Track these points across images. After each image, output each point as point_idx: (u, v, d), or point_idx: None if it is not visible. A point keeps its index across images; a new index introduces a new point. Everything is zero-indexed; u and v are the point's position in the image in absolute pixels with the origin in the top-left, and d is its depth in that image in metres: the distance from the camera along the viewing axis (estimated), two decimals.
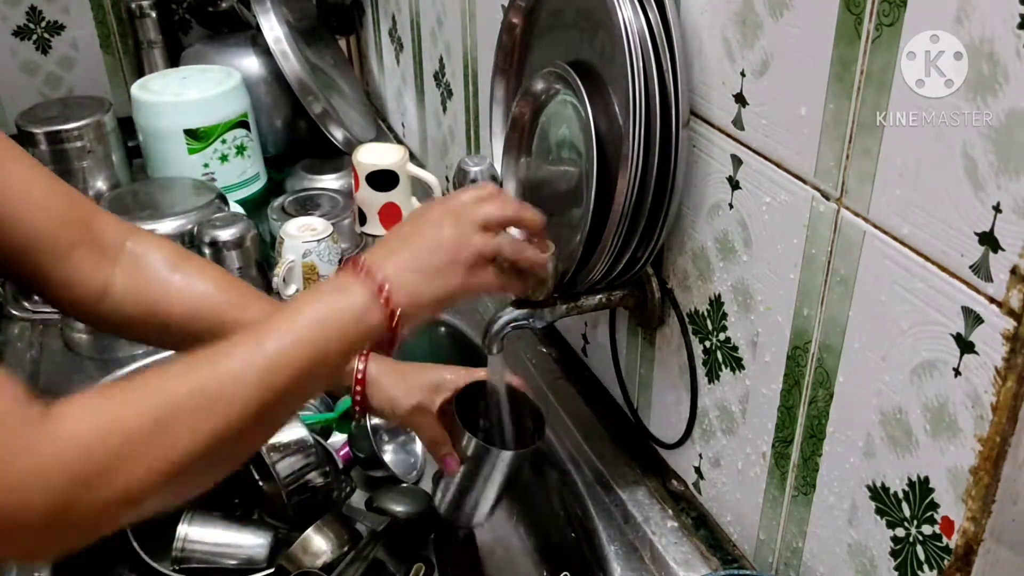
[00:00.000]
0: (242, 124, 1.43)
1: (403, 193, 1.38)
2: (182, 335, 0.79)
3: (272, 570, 0.99)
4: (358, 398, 0.86)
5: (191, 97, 1.39)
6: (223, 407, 0.59)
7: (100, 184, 1.41)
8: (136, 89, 1.41)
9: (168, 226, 1.26)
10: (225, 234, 1.23)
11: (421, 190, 1.44)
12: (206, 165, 1.41)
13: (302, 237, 1.27)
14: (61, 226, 0.73)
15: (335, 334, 0.64)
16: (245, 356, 0.61)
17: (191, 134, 1.38)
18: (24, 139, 1.38)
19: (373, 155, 1.39)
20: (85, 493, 0.53)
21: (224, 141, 1.41)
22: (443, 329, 1.26)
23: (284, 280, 1.26)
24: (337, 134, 1.52)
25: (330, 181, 1.50)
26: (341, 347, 0.65)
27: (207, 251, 1.24)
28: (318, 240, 1.27)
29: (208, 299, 0.80)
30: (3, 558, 0.74)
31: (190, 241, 1.25)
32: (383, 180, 1.36)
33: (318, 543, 1.03)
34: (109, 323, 0.79)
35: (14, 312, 1.26)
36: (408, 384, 0.89)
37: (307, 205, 1.41)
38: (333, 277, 0.69)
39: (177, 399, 0.59)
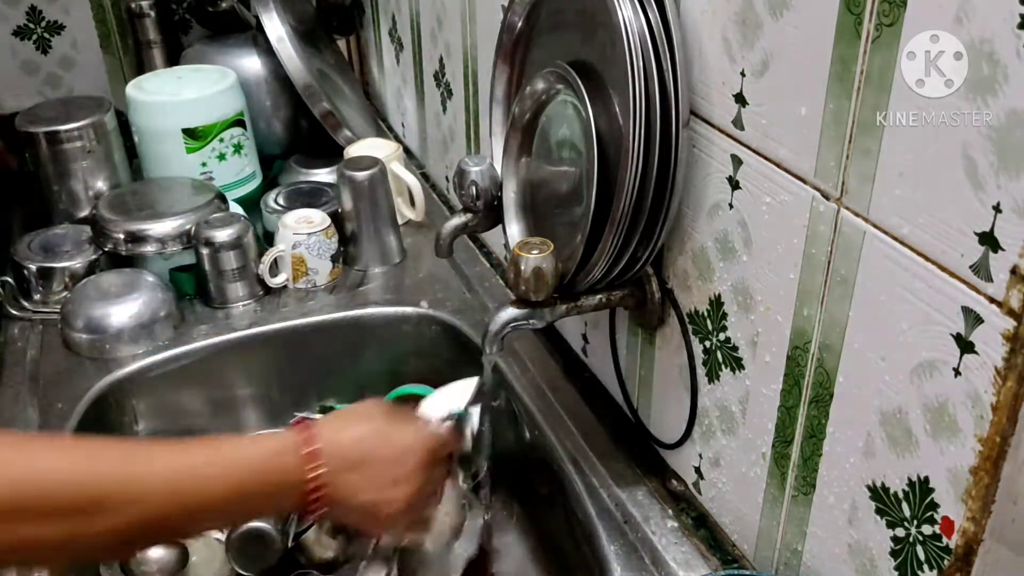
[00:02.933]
0: (239, 123, 1.43)
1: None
2: None
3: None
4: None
5: (188, 96, 1.39)
6: (96, 525, 0.57)
7: (100, 184, 1.40)
8: (131, 89, 1.41)
9: (168, 226, 1.26)
10: (222, 234, 1.23)
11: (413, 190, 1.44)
12: (204, 164, 1.41)
13: (295, 228, 1.28)
14: None
15: (257, 497, 0.64)
16: (160, 468, 0.60)
17: (189, 133, 1.38)
18: (24, 139, 1.38)
19: (362, 149, 1.39)
20: None
21: (222, 140, 1.41)
22: (439, 328, 1.26)
23: (269, 269, 1.26)
24: (339, 134, 1.52)
25: (323, 175, 1.51)
26: (253, 507, 0.66)
27: (204, 251, 1.24)
28: (308, 233, 1.27)
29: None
30: None
31: (188, 241, 1.25)
32: None
33: (328, 536, 1.03)
34: None
35: (14, 312, 1.26)
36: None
37: (300, 198, 1.41)
38: (279, 439, 0.68)
39: (57, 495, 0.57)
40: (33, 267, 1.26)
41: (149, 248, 1.26)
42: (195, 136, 1.39)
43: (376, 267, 1.35)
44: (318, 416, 0.70)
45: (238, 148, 1.44)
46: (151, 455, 0.61)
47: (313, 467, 0.65)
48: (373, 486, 0.69)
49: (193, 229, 1.25)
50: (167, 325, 1.21)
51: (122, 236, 1.26)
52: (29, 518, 0.56)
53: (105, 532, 0.58)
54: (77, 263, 1.26)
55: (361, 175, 1.30)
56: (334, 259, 1.31)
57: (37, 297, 1.27)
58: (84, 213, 1.39)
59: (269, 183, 1.54)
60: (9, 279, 1.27)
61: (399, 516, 0.72)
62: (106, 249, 1.27)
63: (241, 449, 0.65)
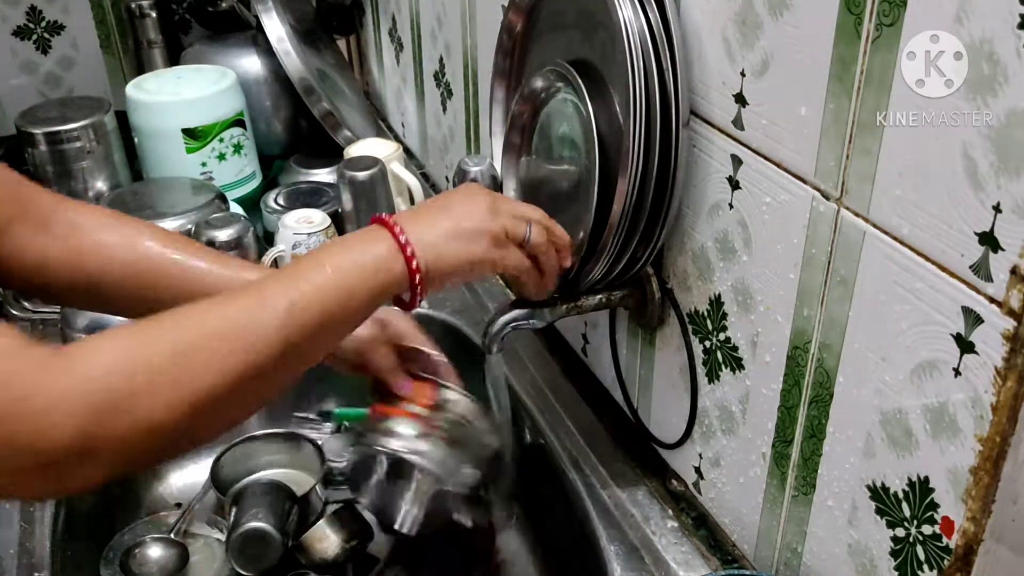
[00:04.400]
0: (238, 123, 1.44)
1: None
2: (126, 296, 0.79)
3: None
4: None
5: (189, 96, 1.39)
6: (245, 346, 0.60)
7: (100, 184, 1.40)
8: (131, 89, 1.41)
9: (168, 226, 1.25)
10: (223, 234, 1.23)
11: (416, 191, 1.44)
12: (204, 164, 1.41)
13: (295, 228, 1.28)
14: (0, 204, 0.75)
15: (357, 283, 0.66)
16: (270, 298, 0.62)
17: (189, 133, 1.38)
18: (24, 139, 1.38)
19: (362, 149, 1.39)
20: (106, 422, 0.54)
21: (221, 140, 1.41)
22: (439, 328, 1.26)
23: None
24: (339, 134, 1.52)
25: (323, 175, 1.51)
26: (362, 296, 0.67)
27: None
28: (308, 233, 1.27)
29: (148, 257, 0.79)
30: (32, 494, 0.74)
31: (195, 238, 1.26)
32: None
33: (329, 536, 1.03)
34: (52, 293, 0.80)
35: (14, 312, 1.26)
36: None
37: (300, 198, 1.41)
38: (361, 231, 0.70)
39: (200, 334, 0.59)
40: None
41: None
42: (195, 136, 1.39)
43: None
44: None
45: (238, 148, 1.44)
46: (307, 275, 0.65)
47: (390, 224, 0.69)
48: (457, 213, 0.71)
49: (193, 229, 1.25)
50: None
51: None
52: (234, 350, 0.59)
53: (255, 350, 0.61)
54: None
55: (361, 175, 1.30)
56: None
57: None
58: None
59: (269, 183, 1.54)
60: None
61: (483, 247, 0.72)
62: None
63: (335, 257, 0.67)
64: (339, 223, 1.33)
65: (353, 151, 1.41)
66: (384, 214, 0.70)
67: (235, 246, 1.24)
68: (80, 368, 0.54)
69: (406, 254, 0.68)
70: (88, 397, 0.53)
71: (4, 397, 0.51)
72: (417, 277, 0.69)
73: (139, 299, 0.76)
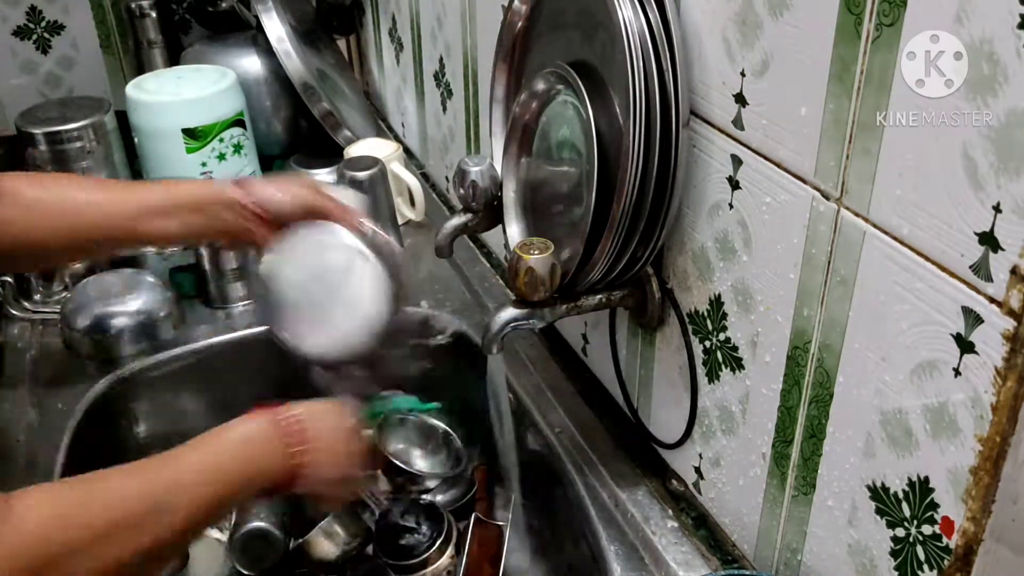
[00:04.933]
0: (238, 123, 1.43)
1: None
2: (53, 242, 0.87)
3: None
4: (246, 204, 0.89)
5: (189, 96, 1.39)
6: (160, 529, 0.68)
7: None
8: (131, 89, 1.41)
9: None
10: None
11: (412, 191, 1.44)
12: (204, 164, 1.41)
13: None
14: None
15: (251, 489, 0.76)
16: (186, 489, 0.70)
17: (189, 133, 1.38)
18: (24, 139, 1.38)
19: (362, 149, 1.39)
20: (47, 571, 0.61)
21: (221, 140, 1.41)
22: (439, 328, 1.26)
23: None
24: (339, 134, 1.52)
25: (323, 175, 1.51)
26: (248, 495, 0.77)
27: (205, 251, 1.24)
28: None
29: (67, 199, 0.88)
30: None
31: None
32: None
33: (330, 538, 1.04)
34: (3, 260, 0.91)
35: (14, 312, 1.26)
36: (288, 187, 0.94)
37: None
38: (263, 427, 0.77)
39: (129, 511, 0.67)
40: None
41: (149, 248, 1.26)
42: (195, 136, 1.39)
43: None
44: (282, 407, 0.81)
45: (238, 148, 1.44)
46: (187, 462, 0.73)
47: (299, 460, 0.77)
48: (336, 464, 0.81)
49: None
50: (167, 325, 1.21)
51: None
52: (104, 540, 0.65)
53: (169, 527, 0.69)
54: (77, 263, 1.26)
55: (361, 175, 1.30)
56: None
57: (37, 297, 1.27)
58: None
59: None
60: (9, 279, 1.27)
61: (348, 484, 0.87)
62: None
63: (234, 458, 0.75)
64: None
65: (353, 151, 1.41)
66: (288, 418, 0.78)
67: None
68: (26, 526, 0.61)
69: (293, 477, 0.77)
70: (30, 554, 0.60)
71: None
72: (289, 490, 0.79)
73: (61, 242, 0.87)
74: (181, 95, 1.39)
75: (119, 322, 1.18)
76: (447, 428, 1.16)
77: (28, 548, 0.60)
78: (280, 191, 0.91)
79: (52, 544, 0.61)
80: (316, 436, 0.78)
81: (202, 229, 0.91)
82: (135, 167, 1.47)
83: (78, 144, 1.37)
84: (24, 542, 0.60)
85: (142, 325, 1.18)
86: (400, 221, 1.42)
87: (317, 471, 0.78)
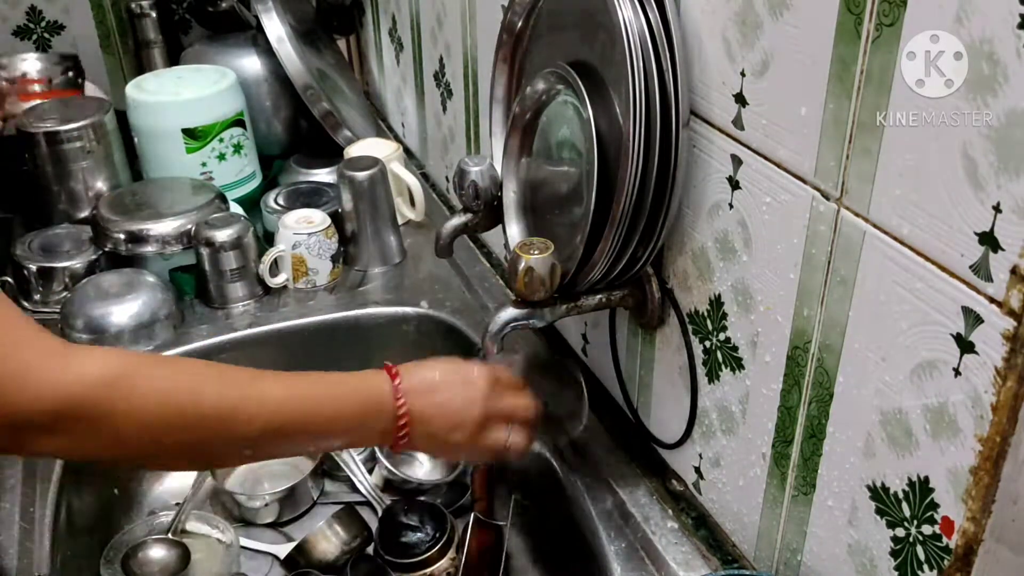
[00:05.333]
0: (238, 123, 1.44)
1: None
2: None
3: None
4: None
5: (188, 96, 1.39)
6: (221, 441, 0.69)
7: (100, 184, 1.40)
8: (131, 89, 1.41)
9: (168, 226, 1.26)
10: (222, 235, 1.23)
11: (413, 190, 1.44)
12: (204, 164, 1.41)
13: (295, 228, 1.28)
14: None
15: (343, 436, 0.78)
16: (269, 404, 0.70)
17: (189, 133, 1.38)
18: (24, 140, 1.38)
19: (362, 149, 1.39)
20: (77, 420, 0.62)
21: (221, 140, 1.41)
22: (439, 328, 1.26)
23: (269, 269, 1.26)
24: (339, 134, 1.52)
25: (323, 175, 1.51)
26: (343, 443, 0.81)
27: (204, 251, 1.24)
28: (308, 233, 1.28)
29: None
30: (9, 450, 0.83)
31: (188, 241, 1.26)
32: None
33: (330, 538, 1.04)
34: None
35: None
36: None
37: (300, 198, 1.41)
38: (376, 380, 0.79)
39: (190, 406, 0.67)
40: (33, 267, 1.26)
41: (149, 248, 1.26)
42: (195, 136, 1.39)
43: (376, 267, 1.35)
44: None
45: (238, 148, 1.44)
46: (272, 379, 0.73)
47: (401, 401, 0.78)
48: (445, 413, 0.81)
49: (193, 229, 1.25)
50: (167, 325, 1.21)
51: (122, 236, 1.26)
52: (177, 427, 0.67)
53: (234, 439, 0.70)
54: (77, 263, 1.26)
55: (361, 175, 1.30)
56: (334, 259, 1.31)
57: (37, 297, 1.27)
58: (84, 213, 1.39)
59: (269, 183, 1.54)
60: (9, 279, 1.27)
61: (468, 440, 0.82)
62: (106, 249, 1.27)
63: (342, 379, 0.77)
64: (339, 223, 1.33)
65: (353, 151, 1.41)
66: (398, 380, 0.79)
67: (235, 246, 1.24)
68: (76, 368, 0.62)
69: (399, 436, 0.78)
70: (71, 394, 0.62)
71: (7, 368, 0.60)
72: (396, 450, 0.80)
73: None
74: (181, 95, 1.39)
75: (119, 322, 1.18)
76: None
77: (70, 391, 0.61)
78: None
79: (94, 398, 0.62)
80: (418, 384, 0.79)
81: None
82: (135, 167, 1.47)
83: (78, 144, 1.37)
84: (70, 383, 0.61)
85: (142, 325, 1.18)
86: (400, 221, 1.42)
87: (420, 423, 0.79)
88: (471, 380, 0.83)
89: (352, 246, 1.35)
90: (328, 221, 1.30)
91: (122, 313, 1.18)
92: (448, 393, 0.81)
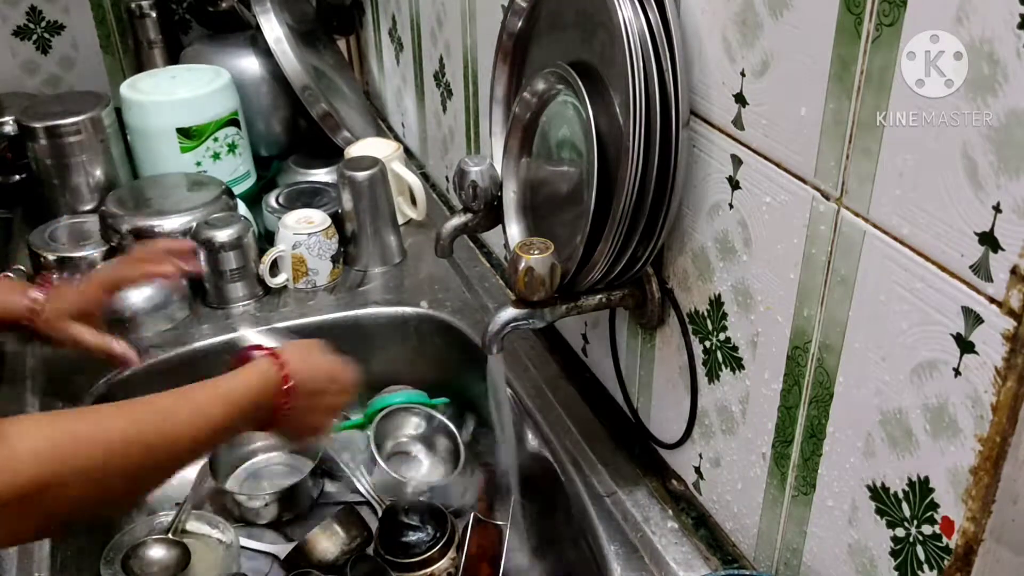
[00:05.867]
0: (233, 122, 1.44)
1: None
2: None
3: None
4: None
5: (183, 96, 1.39)
6: (152, 465, 0.72)
7: (101, 178, 1.41)
8: (126, 88, 1.42)
9: (176, 222, 1.26)
10: (223, 235, 1.23)
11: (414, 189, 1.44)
12: (198, 163, 1.41)
13: (295, 228, 1.28)
14: None
15: (242, 426, 0.82)
16: (179, 426, 0.74)
17: (184, 132, 1.39)
18: (24, 134, 1.38)
19: (363, 149, 1.40)
20: (21, 500, 0.61)
21: (216, 139, 1.41)
22: (439, 328, 1.26)
23: (269, 269, 1.27)
24: (338, 136, 1.52)
25: (322, 175, 1.51)
26: (240, 431, 0.85)
27: (203, 251, 1.24)
28: (309, 233, 1.28)
29: None
30: None
31: (192, 239, 1.26)
32: None
33: (330, 538, 1.04)
34: None
35: None
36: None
37: (300, 198, 1.41)
38: (264, 374, 0.83)
39: (120, 447, 0.69)
40: (52, 256, 1.28)
41: None
42: (189, 135, 1.39)
43: (376, 267, 1.35)
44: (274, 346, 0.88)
45: (232, 147, 1.44)
46: (180, 405, 0.76)
47: (284, 400, 0.82)
48: (316, 412, 0.87)
49: (193, 229, 1.25)
50: (183, 305, 1.23)
51: (130, 231, 1.26)
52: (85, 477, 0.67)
53: (157, 465, 0.73)
54: (95, 252, 1.28)
55: (361, 175, 1.30)
56: (334, 259, 1.31)
57: None
58: (87, 207, 1.40)
59: (268, 183, 1.54)
60: (22, 267, 1.28)
61: (321, 430, 0.91)
62: (112, 244, 1.28)
63: (236, 389, 0.80)
64: (339, 223, 1.33)
65: (353, 151, 1.41)
66: (283, 366, 0.83)
67: (235, 246, 1.24)
68: (14, 456, 0.62)
69: (277, 422, 0.84)
70: (14, 485, 0.61)
71: None
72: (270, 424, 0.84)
73: None
74: (175, 95, 1.39)
75: (134, 304, 1.19)
76: (450, 424, 1.16)
77: (22, 470, 0.61)
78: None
79: (45, 467, 0.62)
80: (299, 378, 0.84)
81: None
82: (133, 166, 1.47)
83: (77, 138, 1.38)
84: (17, 465, 0.61)
85: (157, 307, 1.20)
86: (401, 220, 1.42)
87: (293, 422, 0.85)
88: (336, 381, 0.89)
89: (352, 246, 1.35)
90: (328, 221, 1.30)
91: (138, 295, 1.19)
92: (319, 390, 0.87)
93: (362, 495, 1.15)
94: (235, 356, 0.88)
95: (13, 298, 1.03)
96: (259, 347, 0.87)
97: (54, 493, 0.63)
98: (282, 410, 0.82)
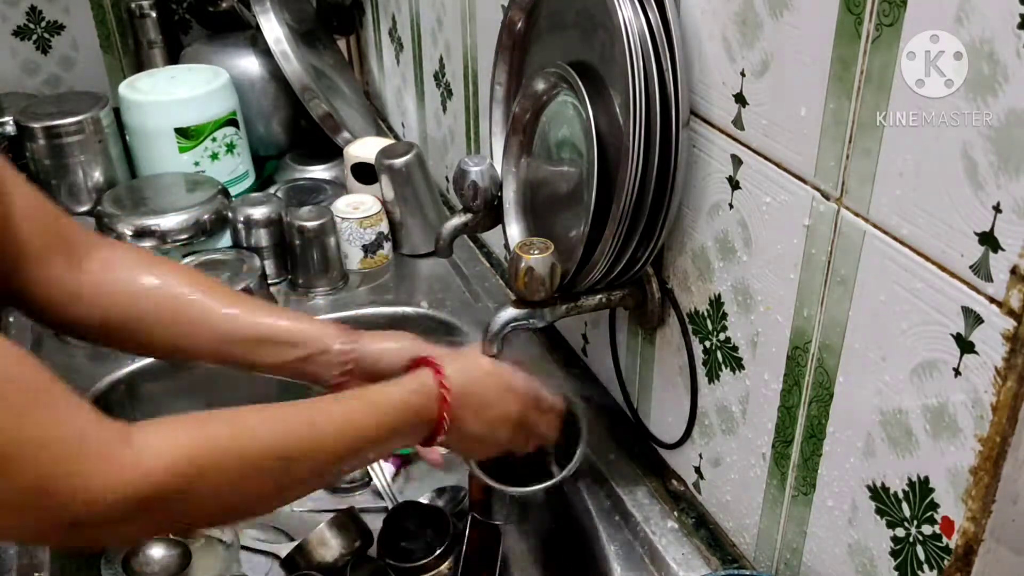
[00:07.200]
0: (231, 122, 1.44)
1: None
2: (157, 336, 0.81)
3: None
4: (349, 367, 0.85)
5: (181, 96, 1.39)
6: (296, 478, 0.68)
7: (99, 178, 1.41)
8: (124, 88, 1.42)
9: (172, 220, 1.26)
10: (257, 212, 1.26)
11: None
12: (197, 163, 1.41)
13: (345, 213, 1.30)
14: (42, 233, 0.76)
15: (396, 438, 0.77)
16: (326, 439, 0.70)
17: (182, 132, 1.39)
18: (23, 134, 1.38)
19: (362, 148, 1.40)
20: (150, 515, 0.58)
21: (214, 139, 1.41)
22: (439, 328, 1.26)
23: None
24: (338, 136, 1.52)
25: (320, 171, 1.51)
26: (393, 447, 0.80)
27: (240, 227, 1.27)
28: (343, 218, 1.30)
29: (182, 298, 0.81)
30: (60, 545, 0.85)
31: (203, 232, 1.28)
32: (368, 172, 1.37)
33: (330, 539, 1.04)
34: (83, 329, 0.81)
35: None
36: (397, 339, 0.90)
37: (299, 195, 1.42)
38: (421, 385, 0.78)
39: (260, 457, 0.65)
40: None
41: (153, 243, 1.27)
42: (188, 135, 1.39)
43: (424, 249, 1.37)
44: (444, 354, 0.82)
45: (231, 147, 1.44)
46: (329, 415, 0.72)
47: (446, 411, 0.77)
48: (484, 422, 0.81)
49: (209, 218, 1.27)
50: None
51: (127, 231, 1.27)
52: (253, 496, 0.66)
53: (299, 480, 0.70)
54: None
55: (398, 162, 1.32)
56: (367, 249, 1.31)
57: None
58: (85, 207, 1.40)
59: (264, 182, 1.54)
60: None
61: (497, 449, 0.85)
62: None
63: (390, 398, 0.75)
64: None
65: (353, 150, 1.41)
66: (444, 378, 0.78)
67: (268, 224, 1.27)
68: (145, 462, 0.58)
69: (440, 433, 0.78)
70: (141, 492, 0.57)
71: (71, 467, 0.55)
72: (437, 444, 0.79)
73: (172, 343, 0.81)
74: (174, 95, 1.40)
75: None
76: None
77: (139, 489, 0.57)
78: (385, 350, 0.85)
79: (167, 491, 0.58)
80: (464, 397, 0.78)
81: (294, 371, 0.85)
82: (132, 162, 1.47)
83: (76, 138, 1.38)
84: (140, 482, 0.57)
85: None
86: None
87: (459, 429, 0.79)
88: (511, 391, 0.83)
89: (400, 232, 1.37)
90: (373, 211, 1.30)
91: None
92: (488, 400, 0.81)
93: (363, 497, 1.15)
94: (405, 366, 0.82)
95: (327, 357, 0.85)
96: (425, 359, 0.80)
97: (178, 506, 0.60)
98: (444, 424, 0.77)
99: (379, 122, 1.76)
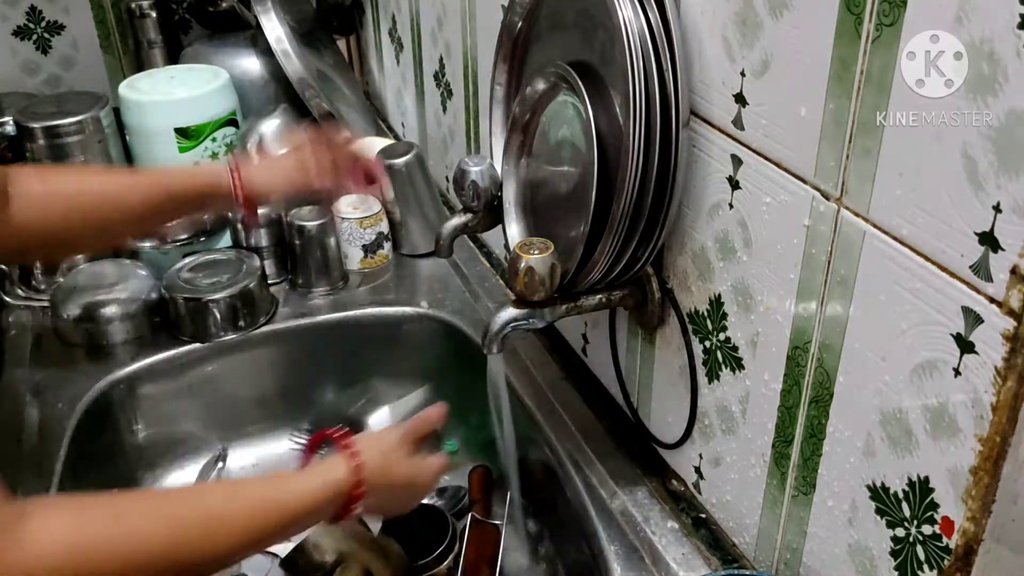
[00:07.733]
0: (231, 122, 1.44)
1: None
2: (81, 236, 0.92)
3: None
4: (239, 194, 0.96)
5: (181, 95, 1.39)
6: (187, 566, 0.66)
7: None
8: (124, 88, 1.42)
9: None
10: (399, 162, 1.29)
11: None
12: (196, 163, 1.41)
13: (345, 213, 1.30)
14: None
15: (299, 530, 0.78)
16: (218, 547, 0.68)
17: (182, 132, 1.39)
18: (23, 134, 1.38)
19: (362, 147, 1.40)
20: None
21: (214, 139, 1.41)
22: (439, 328, 1.26)
23: None
24: None
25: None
26: (301, 527, 0.79)
27: (240, 227, 1.29)
28: (343, 218, 1.30)
29: (88, 192, 0.90)
30: None
31: (203, 232, 1.29)
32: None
33: (324, 542, 1.03)
34: (17, 253, 0.97)
35: (8, 299, 1.28)
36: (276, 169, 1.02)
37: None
38: (334, 477, 0.78)
39: (149, 550, 0.63)
40: None
41: (154, 242, 1.28)
42: (188, 135, 1.39)
43: (424, 249, 1.37)
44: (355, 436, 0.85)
45: (231, 147, 1.44)
46: (229, 517, 0.70)
47: (357, 501, 0.79)
48: (393, 504, 0.88)
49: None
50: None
51: None
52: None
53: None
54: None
55: (398, 162, 1.31)
56: (367, 249, 1.32)
57: (42, 287, 1.29)
58: None
59: None
60: (3, 267, 1.29)
61: (402, 499, 0.90)
62: None
63: (302, 495, 0.75)
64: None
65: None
66: (357, 458, 0.79)
67: (268, 224, 1.29)
68: (32, 549, 0.58)
69: (350, 508, 0.79)
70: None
71: None
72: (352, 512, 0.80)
73: (94, 230, 0.92)
74: (173, 94, 1.39)
75: (108, 311, 1.18)
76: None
77: (29, 571, 0.57)
78: (271, 176, 0.99)
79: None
80: (373, 473, 0.80)
81: (198, 216, 1.01)
82: (132, 162, 1.47)
83: (76, 138, 1.38)
84: (30, 567, 0.57)
85: (131, 315, 1.19)
86: None
87: (370, 509, 0.83)
88: (390, 447, 0.85)
89: (400, 231, 1.37)
90: (373, 211, 1.30)
91: (112, 302, 1.20)
92: (397, 495, 0.87)
93: None
94: (310, 439, 0.86)
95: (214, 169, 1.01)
96: (335, 433, 0.86)
97: None
98: (350, 512, 0.79)
99: (379, 122, 1.76)
